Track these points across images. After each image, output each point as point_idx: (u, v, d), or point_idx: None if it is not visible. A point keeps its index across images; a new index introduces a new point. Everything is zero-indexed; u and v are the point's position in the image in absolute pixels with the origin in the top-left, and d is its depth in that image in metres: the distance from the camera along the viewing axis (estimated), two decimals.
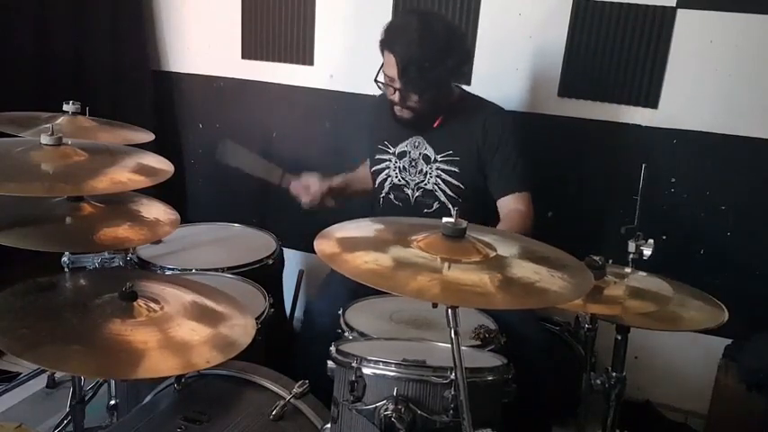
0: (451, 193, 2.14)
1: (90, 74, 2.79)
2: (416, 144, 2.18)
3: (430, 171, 2.16)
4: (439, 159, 2.15)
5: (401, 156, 2.21)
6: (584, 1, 2.36)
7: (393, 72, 2.02)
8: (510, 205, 2.10)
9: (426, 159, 2.17)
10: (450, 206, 2.12)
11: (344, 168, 2.44)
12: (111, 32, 2.85)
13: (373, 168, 2.28)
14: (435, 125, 2.15)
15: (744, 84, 2.25)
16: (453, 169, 2.13)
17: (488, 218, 2.13)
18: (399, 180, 2.22)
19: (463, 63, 2.11)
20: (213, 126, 3.05)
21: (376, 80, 2.09)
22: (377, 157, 2.26)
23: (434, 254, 1.20)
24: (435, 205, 2.17)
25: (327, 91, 2.79)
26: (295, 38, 2.79)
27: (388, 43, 2.03)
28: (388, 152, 2.23)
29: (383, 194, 2.26)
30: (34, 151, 1.41)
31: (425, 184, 2.18)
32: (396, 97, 2.08)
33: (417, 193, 2.20)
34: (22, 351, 1.13)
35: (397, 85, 2.04)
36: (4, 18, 2.44)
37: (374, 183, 2.29)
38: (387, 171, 2.24)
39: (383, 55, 2.06)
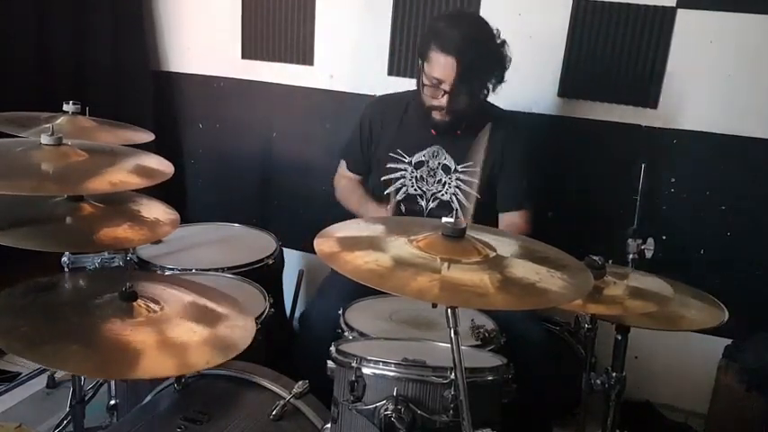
0: (467, 204, 2.11)
1: (90, 74, 2.79)
2: (435, 153, 2.14)
3: (449, 181, 2.13)
4: (459, 170, 2.13)
5: (418, 165, 2.16)
6: (584, 1, 2.36)
7: (446, 74, 1.97)
8: (509, 219, 2.17)
9: (446, 169, 2.14)
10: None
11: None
12: (111, 32, 2.85)
13: (383, 177, 2.20)
14: (458, 133, 2.12)
15: (744, 84, 2.26)
16: (473, 180, 2.11)
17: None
18: (415, 190, 2.17)
19: (505, 71, 2.06)
20: (213, 126, 3.05)
21: (422, 84, 2.04)
22: (388, 165, 2.19)
23: (434, 254, 1.20)
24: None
25: (327, 91, 2.79)
26: (295, 38, 2.79)
27: (443, 45, 1.96)
28: (403, 161, 2.17)
29: (392, 204, 2.17)
30: (34, 151, 1.41)
31: (442, 195, 2.15)
32: (444, 101, 2.01)
33: (432, 204, 2.16)
34: (22, 350, 1.13)
35: (448, 87, 1.98)
36: (5, 18, 2.44)
37: (382, 191, 2.21)
38: (402, 180, 2.18)
39: (428, 57, 2.00)
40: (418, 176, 2.17)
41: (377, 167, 2.25)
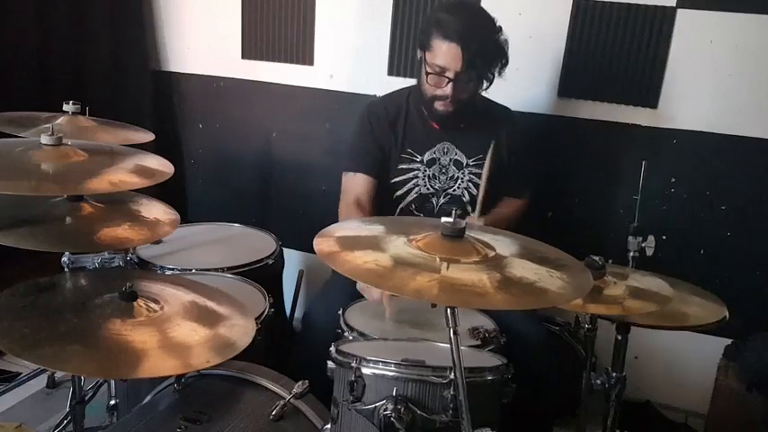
0: (477, 197, 2.08)
1: (90, 74, 2.79)
2: (445, 150, 2.14)
3: (462, 176, 2.13)
4: (471, 164, 2.13)
5: (430, 163, 2.15)
6: (584, 1, 2.36)
7: (449, 61, 1.94)
8: (507, 203, 2.23)
9: (458, 165, 2.14)
10: (471, 211, 2.08)
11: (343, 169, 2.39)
12: (111, 32, 2.85)
13: (394, 179, 2.16)
14: (462, 126, 2.12)
15: (744, 84, 2.25)
16: (484, 172, 2.08)
17: None
18: (428, 189, 2.16)
19: (507, 56, 2.05)
20: (213, 126, 3.05)
21: (426, 73, 2.01)
22: (400, 166, 2.16)
23: (433, 254, 1.20)
24: (459, 212, 2.11)
25: (327, 91, 2.79)
26: (295, 38, 2.79)
27: (445, 32, 1.94)
28: (415, 160, 2.15)
29: (403, 205, 2.17)
30: (34, 151, 1.41)
31: (454, 191, 2.15)
32: (448, 89, 1.99)
33: (443, 200, 2.15)
34: (21, 351, 1.13)
35: (452, 75, 1.96)
36: (4, 18, 2.44)
37: (391, 194, 2.18)
38: (414, 181, 2.15)
39: (430, 46, 1.98)
40: (431, 175, 2.15)
41: (387, 170, 2.19)
